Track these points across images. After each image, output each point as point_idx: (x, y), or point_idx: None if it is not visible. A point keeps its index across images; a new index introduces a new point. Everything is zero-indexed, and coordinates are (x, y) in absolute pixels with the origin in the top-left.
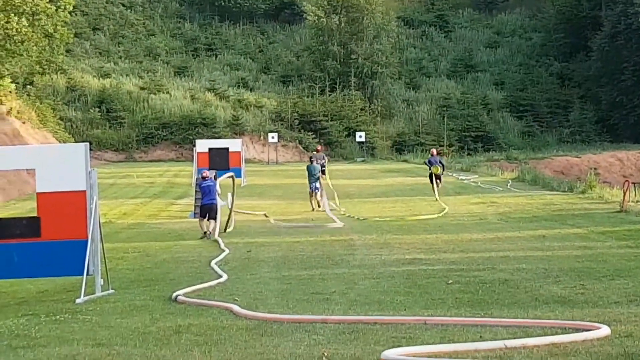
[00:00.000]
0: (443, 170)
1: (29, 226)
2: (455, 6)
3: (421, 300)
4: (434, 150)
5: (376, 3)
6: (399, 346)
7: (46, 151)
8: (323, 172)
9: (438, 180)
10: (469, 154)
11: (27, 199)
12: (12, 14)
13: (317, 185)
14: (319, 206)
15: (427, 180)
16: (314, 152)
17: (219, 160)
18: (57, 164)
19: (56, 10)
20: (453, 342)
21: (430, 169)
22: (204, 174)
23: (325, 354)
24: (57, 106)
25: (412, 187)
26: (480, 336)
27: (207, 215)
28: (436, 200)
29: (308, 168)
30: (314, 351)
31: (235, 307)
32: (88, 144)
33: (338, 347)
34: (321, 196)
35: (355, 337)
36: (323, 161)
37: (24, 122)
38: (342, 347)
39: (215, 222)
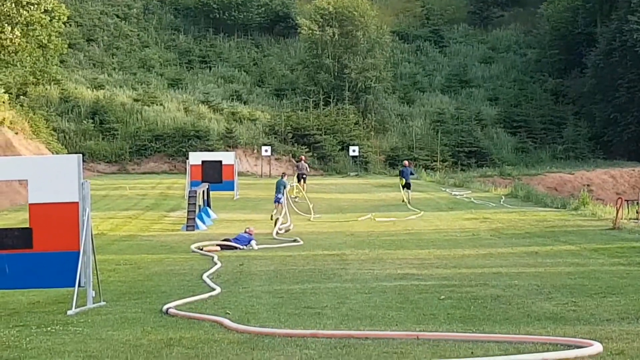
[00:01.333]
0: (410, 177)
1: (21, 237)
2: (450, 21)
3: (413, 316)
4: (406, 162)
5: (370, 17)
6: None
7: (39, 162)
8: (304, 179)
9: (408, 189)
10: (462, 170)
11: (19, 209)
12: (6, 24)
13: (279, 196)
14: (272, 219)
15: (418, 194)
16: (298, 162)
17: (212, 172)
18: (50, 175)
19: (50, 20)
20: (445, 357)
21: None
22: (249, 230)
23: None
24: (50, 117)
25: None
26: (472, 352)
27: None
28: (407, 203)
29: (276, 183)
30: None
31: (226, 321)
32: (81, 155)
33: None
34: (279, 212)
35: (347, 352)
36: (304, 171)
37: (16, 133)
38: None
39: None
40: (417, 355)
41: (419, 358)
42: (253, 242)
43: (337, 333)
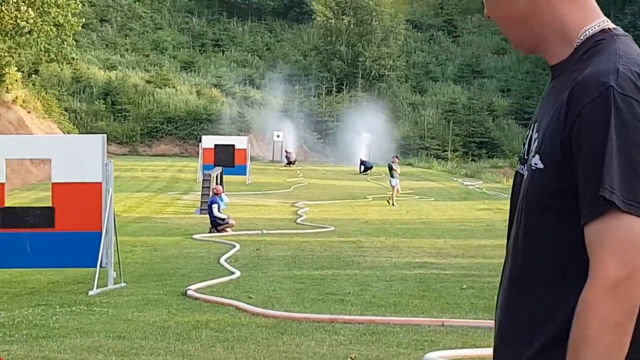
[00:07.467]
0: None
1: (43, 216)
2: (464, 11)
3: (437, 304)
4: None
5: (385, 5)
6: (421, 349)
7: (63, 141)
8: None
9: None
10: (472, 160)
11: (30, 188)
12: (22, 4)
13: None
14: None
15: (431, 184)
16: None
17: (225, 156)
18: (74, 154)
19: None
20: (474, 346)
21: None
22: (215, 189)
23: (353, 357)
24: (62, 96)
25: (417, 190)
26: None
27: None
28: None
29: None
30: (338, 351)
31: (248, 306)
32: (105, 135)
33: (360, 348)
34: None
35: (377, 339)
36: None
37: (29, 112)
38: (365, 349)
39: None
40: (447, 343)
41: (449, 346)
42: (219, 204)
43: (372, 319)
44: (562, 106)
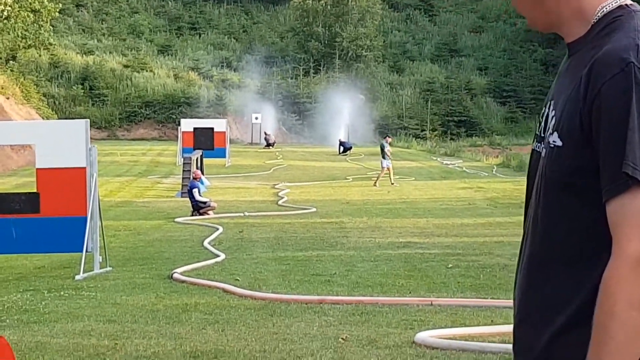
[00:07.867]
0: None
1: (29, 202)
2: None
3: (424, 284)
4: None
5: None
6: (410, 329)
7: (47, 127)
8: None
9: None
10: (451, 139)
11: (11, 174)
12: None
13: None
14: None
15: (411, 163)
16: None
17: (204, 139)
18: (58, 140)
19: None
20: (464, 325)
21: None
22: (194, 174)
23: (344, 337)
24: (40, 82)
25: (397, 170)
26: (492, 320)
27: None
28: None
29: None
30: (328, 332)
31: (237, 289)
32: (88, 120)
33: (350, 328)
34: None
35: (366, 319)
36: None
37: (8, 98)
38: (355, 329)
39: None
40: (437, 322)
41: (438, 325)
42: (199, 188)
43: (362, 299)
44: (580, 83)
